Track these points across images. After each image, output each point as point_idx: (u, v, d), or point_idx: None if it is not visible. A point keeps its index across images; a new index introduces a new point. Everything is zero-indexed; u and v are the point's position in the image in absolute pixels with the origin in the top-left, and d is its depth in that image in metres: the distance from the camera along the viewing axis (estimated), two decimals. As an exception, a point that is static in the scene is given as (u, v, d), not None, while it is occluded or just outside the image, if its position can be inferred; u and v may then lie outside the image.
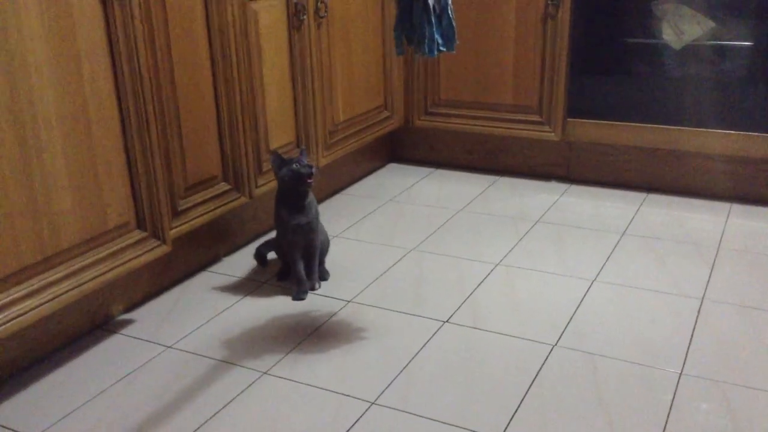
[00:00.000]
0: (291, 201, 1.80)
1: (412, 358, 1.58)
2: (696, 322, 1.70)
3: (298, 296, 1.84)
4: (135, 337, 1.69)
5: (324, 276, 1.92)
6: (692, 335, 1.64)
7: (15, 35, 1.34)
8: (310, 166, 1.76)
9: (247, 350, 1.62)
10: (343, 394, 1.46)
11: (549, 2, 2.39)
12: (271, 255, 2.02)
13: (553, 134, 2.53)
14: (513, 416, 1.39)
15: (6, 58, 1.33)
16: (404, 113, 2.75)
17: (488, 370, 1.53)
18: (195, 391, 1.49)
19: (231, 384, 1.51)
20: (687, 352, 1.58)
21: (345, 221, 2.31)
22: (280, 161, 1.79)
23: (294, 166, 1.76)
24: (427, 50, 1.56)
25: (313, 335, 1.68)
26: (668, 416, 1.38)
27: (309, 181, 1.76)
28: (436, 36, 1.56)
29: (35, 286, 1.44)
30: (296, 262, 1.85)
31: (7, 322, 1.38)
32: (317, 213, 1.85)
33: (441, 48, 1.58)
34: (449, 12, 1.56)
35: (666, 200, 2.43)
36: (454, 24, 1.58)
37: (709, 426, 1.35)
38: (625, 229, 2.21)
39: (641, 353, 1.58)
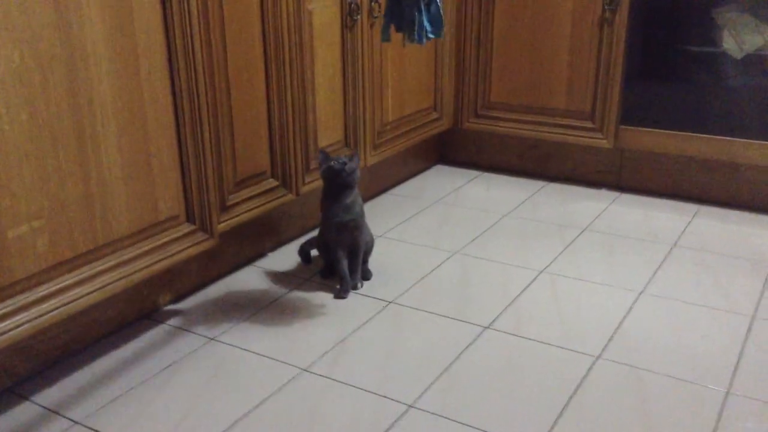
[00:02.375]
0: (333, 197, 1.81)
1: (452, 362, 1.57)
2: (746, 339, 1.65)
3: (340, 294, 1.85)
4: (180, 328, 1.72)
5: (367, 276, 1.93)
6: (741, 353, 1.60)
7: (77, 30, 1.37)
8: (344, 162, 1.77)
9: (287, 346, 1.64)
10: (381, 395, 1.47)
11: (606, 7, 2.35)
12: (315, 252, 2.04)
13: (605, 141, 2.49)
14: (553, 427, 1.37)
15: (67, 51, 1.36)
16: (453, 115, 2.74)
17: (529, 379, 1.51)
18: (236, 384, 1.51)
19: (270, 379, 1.52)
20: (735, 370, 1.54)
21: (390, 221, 2.31)
22: (325, 159, 1.80)
23: (332, 162, 1.78)
24: (416, 37, 1.56)
25: (353, 334, 1.68)
26: (713, 436, 1.35)
27: (343, 176, 1.77)
28: (425, 23, 1.55)
29: (86, 274, 1.48)
30: (339, 260, 1.86)
31: (59, 307, 1.42)
32: (362, 212, 1.86)
33: (429, 35, 1.58)
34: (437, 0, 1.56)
35: (719, 213, 2.37)
36: (442, 11, 1.58)
37: (756, 448, 1.31)
38: (676, 241, 2.16)
39: (688, 369, 1.54)
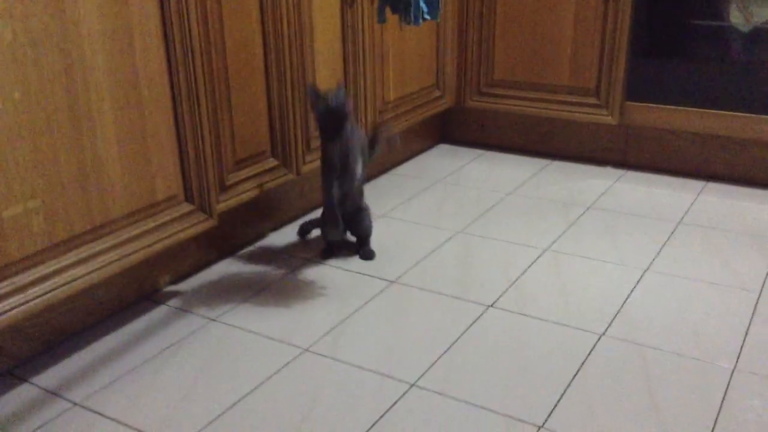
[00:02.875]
0: (331, 134, 1.77)
1: (455, 341, 1.56)
2: (752, 316, 1.63)
3: (331, 236, 1.84)
4: (180, 309, 1.70)
5: (370, 255, 1.91)
6: (747, 330, 1.58)
7: (70, 4, 1.35)
8: (337, 99, 1.72)
9: (289, 326, 1.62)
10: (383, 374, 1.45)
11: (610, -19, 2.31)
12: (317, 233, 2.02)
13: (610, 118, 2.45)
14: (556, 405, 1.35)
15: (60, 29, 1.34)
16: (456, 93, 2.70)
17: (532, 357, 1.50)
18: (236, 364, 1.49)
19: (272, 359, 1.51)
20: (741, 347, 1.52)
21: (392, 201, 2.29)
22: (316, 95, 1.75)
23: (330, 102, 1.72)
24: (412, 19, 1.53)
25: (355, 314, 1.67)
26: (719, 412, 1.33)
27: (340, 111, 1.72)
28: (422, 4, 1.52)
29: (83, 255, 1.46)
30: (330, 195, 1.79)
31: (58, 288, 1.41)
32: (360, 139, 1.81)
33: (426, 16, 1.55)
34: None
35: (726, 189, 2.34)
36: None
37: (762, 423, 1.30)
38: (682, 218, 2.13)
39: (693, 346, 1.52)
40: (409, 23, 1.56)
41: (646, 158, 2.52)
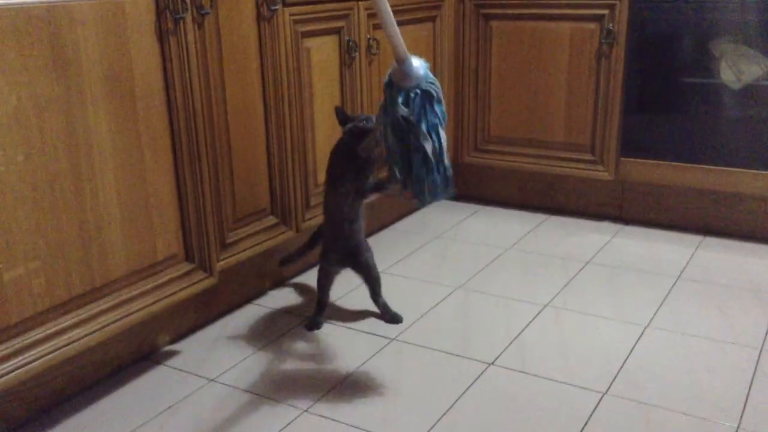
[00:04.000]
0: (344, 169, 1.76)
1: (456, 400, 1.54)
2: (754, 373, 1.62)
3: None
4: (179, 369, 1.69)
5: (397, 319, 1.89)
6: (750, 387, 1.57)
7: (74, 67, 1.38)
8: (365, 120, 1.72)
9: (288, 386, 1.61)
10: (384, 435, 1.44)
11: (603, 41, 2.36)
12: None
13: (606, 173, 2.48)
14: (559, 466, 1.34)
15: (63, 91, 1.37)
16: (453, 149, 2.73)
17: (535, 417, 1.48)
18: (235, 425, 1.48)
19: (271, 421, 1.49)
20: (745, 404, 1.51)
21: (391, 257, 2.30)
22: (344, 116, 1.76)
23: (360, 123, 1.73)
24: (428, 199, 1.51)
25: (355, 373, 1.66)
26: (725, 474, 1.31)
27: (368, 142, 1.69)
28: (438, 181, 1.50)
29: (83, 316, 1.46)
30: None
31: (55, 350, 1.40)
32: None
33: (440, 194, 1.52)
34: (445, 158, 1.50)
35: (723, 244, 2.35)
36: (449, 171, 1.51)
37: (770, 486, 1.28)
38: (680, 273, 2.14)
39: (696, 404, 1.51)
40: (423, 203, 1.53)
41: (643, 213, 2.54)
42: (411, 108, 1.44)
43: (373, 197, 1.84)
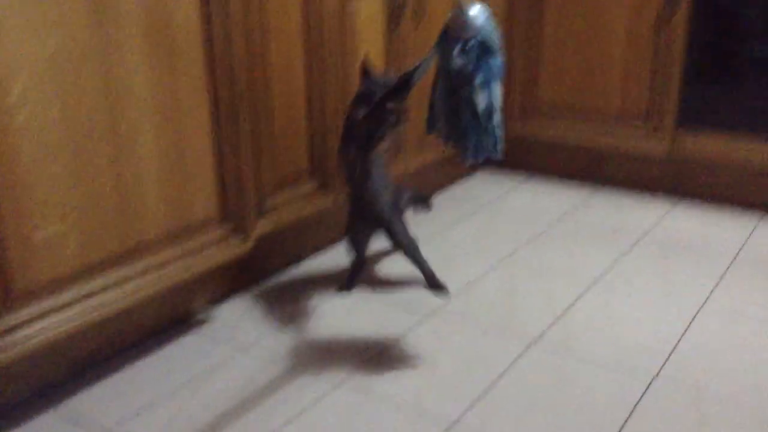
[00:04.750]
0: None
1: (496, 380, 1.48)
2: (818, 362, 1.52)
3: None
4: (213, 335, 1.66)
5: (440, 287, 1.81)
6: (813, 377, 1.48)
7: (113, 15, 1.32)
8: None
9: (322, 358, 1.57)
10: (418, 413, 1.38)
11: (664, 4, 2.23)
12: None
13: (660, 145, 2.36)
14: (605, 453, 1.27)
15: (101, 41, 1.32)
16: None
17: (579, 400, 1.42)
18: (267, 396, 1.44)
19: (303, 392, 1.45)
20: (807, 396, 1.42)
21: (433, 228, 2.23)
22: (365, 73, 1.68)
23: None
24: (474, 157, 1.44)
25: (392, 347, 1.61)
26: (783, 469, 1.23)
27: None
28: (486, 140, 1.43)
29: (117, 278, 1.43)
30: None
31: (90, 312, 1.38)
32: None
33: (487, 154, 1.44)
34: (497, 116, 1.42)
35: (785, 223, 2.23)
36: (499, 131, 1.43)
37: (833, 485, 1.20)
38: (737, 253, 2.03)
39: (751, 390, 1.43)
40: (466, 161, 1.45)
41: (699, 188, 2.42)
42: (466, 59, 1.37)
43: (383, 146, 1.72)
